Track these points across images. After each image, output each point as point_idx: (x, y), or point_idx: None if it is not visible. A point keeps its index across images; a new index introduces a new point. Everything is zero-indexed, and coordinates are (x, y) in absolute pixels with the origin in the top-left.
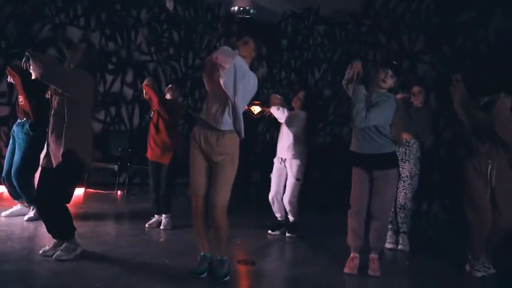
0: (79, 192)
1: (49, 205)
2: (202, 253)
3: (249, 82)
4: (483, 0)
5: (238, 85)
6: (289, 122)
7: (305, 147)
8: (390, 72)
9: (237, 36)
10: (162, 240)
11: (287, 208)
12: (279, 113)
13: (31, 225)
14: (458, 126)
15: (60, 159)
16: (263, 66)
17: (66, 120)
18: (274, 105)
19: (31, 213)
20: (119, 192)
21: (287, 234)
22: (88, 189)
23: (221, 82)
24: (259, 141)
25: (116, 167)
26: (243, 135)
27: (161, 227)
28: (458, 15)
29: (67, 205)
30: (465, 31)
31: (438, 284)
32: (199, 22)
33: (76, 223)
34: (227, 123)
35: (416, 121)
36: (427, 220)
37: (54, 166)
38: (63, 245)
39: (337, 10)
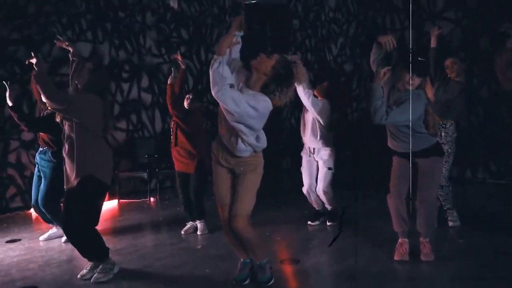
0: (113, 204)
1: (76, 229)
2: (242, 260)
3: (250, 113)
4: None
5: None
6: (315, 110)
7: (331, 134)
8: (415, 74)
9: (247, 23)
10: (200, 246)
11: (322, 198)
12: (305, 96)
13: (70, 247)
14: (495, 82)
15: (75, 183)
16: (285, 94)
17: (75, 145)
18: (300, 80)
19: None
20: (152, 199)
21: (327, 223)
22: (121, 200)
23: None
24: (285, 127)
25: (145, 175)
26: (265, 146)
27: (198, 232)
28: None
29: (98, 224)
30: None
31: (502, 263)
32: (207, 16)
33: (114, 238)
34: (243, 150)
35: (454, 103)
36: (474, 188)
37: (68, 188)
38: (100, 267)
39: None
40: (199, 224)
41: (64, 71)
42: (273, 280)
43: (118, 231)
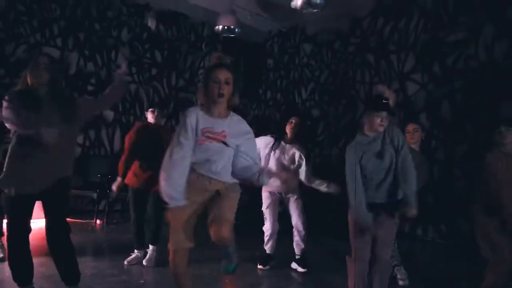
0: None
1: (62, 240)
2: None
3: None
4: (472, 17)
5: None
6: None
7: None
8: (384, 114)
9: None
10: (142, 281)
11: (301, 238)
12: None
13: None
14: (451, 146)
15: (55, 185)
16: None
17: (65, 141)
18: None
19: None
20: (98, 221)
21: (299, 269)
22: None
23: None
24: None
25: (95, 195)
26: None
27: (144, 262)
28: (448, 35)
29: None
30: (455, 51)
31: None
32: (183, 41)
33: (47, 261)
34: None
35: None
36: (424, 246)
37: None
38: None
39: (324, 29)
40: (149, 251)
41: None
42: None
43: None
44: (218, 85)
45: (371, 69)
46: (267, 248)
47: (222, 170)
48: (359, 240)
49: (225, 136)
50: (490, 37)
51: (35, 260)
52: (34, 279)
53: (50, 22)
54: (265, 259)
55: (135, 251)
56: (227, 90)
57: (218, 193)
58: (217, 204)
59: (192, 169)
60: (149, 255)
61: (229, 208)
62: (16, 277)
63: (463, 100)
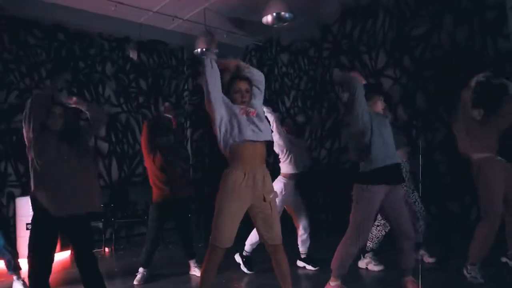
0: (65, 255)
1: (95, 269)
2: None
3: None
4: (433, 10)
5: None
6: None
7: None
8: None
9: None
10: None
11: (308, 236)
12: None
13: None
14: (430, 133)
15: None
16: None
17: (92, 174)
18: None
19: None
20: (106, 249)
21: (309, 268)
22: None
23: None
24: None
25: (100, 224)
26: None
27: (197, 273)
28: (412, 29)
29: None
30: (421, 43)
31: None
32: (165, 67)
33: None
34: None
35: None
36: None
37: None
38: None
39: (297, 38)
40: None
41: (19, 118)
42: None
43: (69, 283)
44: (240, 94)
45: (347, 70)
46: (250, 249)
47: None
48: (368, 219)
49: None
50: (451, 26)
51: None
52: None
53: (37, 66)
54: (251, 260)
55: (142, 269)
56: (247, 97)
57: (264, 204)
58: (267, 224)
59: None
60: (196, 266)
61: (279, 227)
62: None
63: (435, 89)
